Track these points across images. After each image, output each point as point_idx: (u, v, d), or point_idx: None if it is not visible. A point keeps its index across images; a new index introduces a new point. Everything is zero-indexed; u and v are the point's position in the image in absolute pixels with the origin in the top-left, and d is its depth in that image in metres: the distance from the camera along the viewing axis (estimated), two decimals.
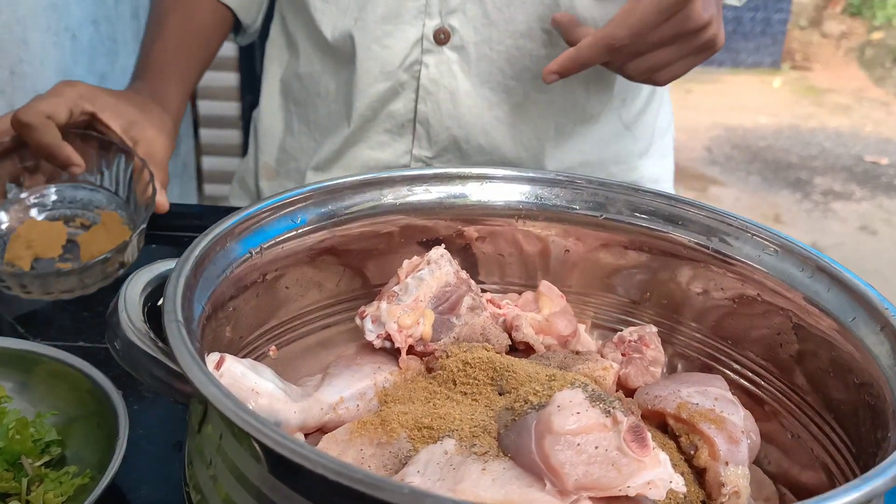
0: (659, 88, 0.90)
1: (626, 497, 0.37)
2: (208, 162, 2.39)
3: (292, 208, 0.50)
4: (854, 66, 5.91)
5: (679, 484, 0.38)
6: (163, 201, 0.72)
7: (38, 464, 0.51)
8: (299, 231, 0.51)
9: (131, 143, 0.72)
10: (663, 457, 0.38)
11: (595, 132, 0.86)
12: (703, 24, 0.66)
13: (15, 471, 0.50)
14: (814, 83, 5.65)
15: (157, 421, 0.56)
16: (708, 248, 0.52)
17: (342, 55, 0.84)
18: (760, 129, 4.82)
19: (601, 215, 0.55)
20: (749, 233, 0.50)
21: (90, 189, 0.73)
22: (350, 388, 0.47)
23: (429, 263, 0.54)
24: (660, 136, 0.93)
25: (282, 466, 0.33)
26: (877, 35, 6.01)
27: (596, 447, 0.37)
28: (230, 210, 0.88)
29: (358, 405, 0.47)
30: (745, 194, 3.98)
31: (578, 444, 0.37)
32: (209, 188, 2.42)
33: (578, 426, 0.38)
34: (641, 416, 0.49)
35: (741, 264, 0.51)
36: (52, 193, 0.73)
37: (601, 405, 0.39)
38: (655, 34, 0.65)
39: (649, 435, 0.38)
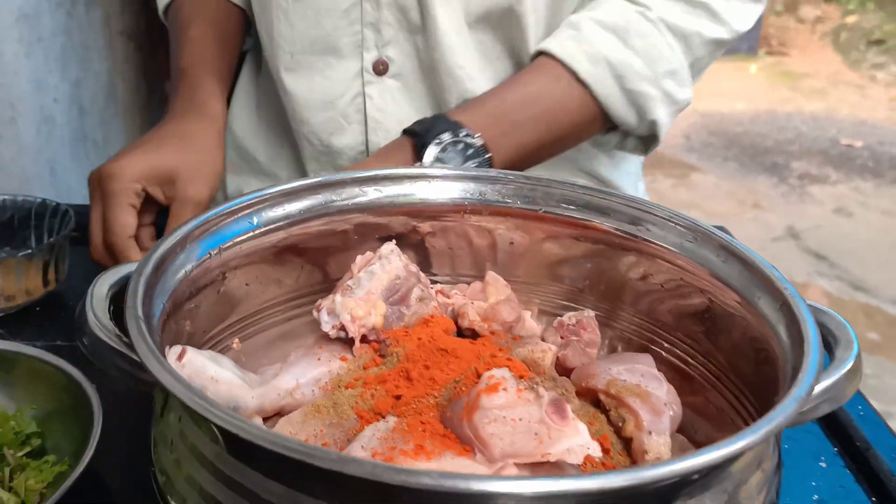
0: None
1: (549, 462, 0.41)
2: None
3: (248, 211, 0.54)
4: (829, 50, 5.98)
5: (595, 450, 0.42)
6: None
7: (20, 454, 0.55)
8: (256, 232, 0.55)
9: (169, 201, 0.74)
10: (582, 426, 0.42)
11: None
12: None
13: None
14: (790, 68, 5.71)
15: (129, 413, 0.60)
16: (637, 237, 0.57)
17: (283, 82, 0.87)
18: (737, 115, 4.87)
19: (540, 209, 0.59)
20: (672, 222, 0.55)
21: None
22: (306, 374, 0.51)
23: (380, 258, 0.58)
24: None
25: (230, 441, 0.37)
26: (851, 19, 6.08)
27: (520, 419, 0.42)
28: None
29: (313, 390, 0.51)
30: (724, 180, 4.03)
31: (504, 417, 0.42)
32: None
33: (504, 401, 0.42)
34: (577, 392, 0.54)
35: (666, 251, 0.55)
36: None
37: (525, 382, 0.43)
38: None
39: (569, 407, 0.43)
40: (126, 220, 0.70)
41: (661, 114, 0.78)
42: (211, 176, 0.76)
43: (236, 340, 0.57)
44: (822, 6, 6.34)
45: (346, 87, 0.84)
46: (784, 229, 3.48)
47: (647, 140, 0.83)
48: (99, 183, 0.72)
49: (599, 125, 0.81)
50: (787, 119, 4.84)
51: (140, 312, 0.40)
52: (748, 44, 5.82)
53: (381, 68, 0.83)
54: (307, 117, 0.86)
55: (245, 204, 0.54)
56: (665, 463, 0.32)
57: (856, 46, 5.89)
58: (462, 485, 0.30)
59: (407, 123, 0.85)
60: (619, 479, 0.31)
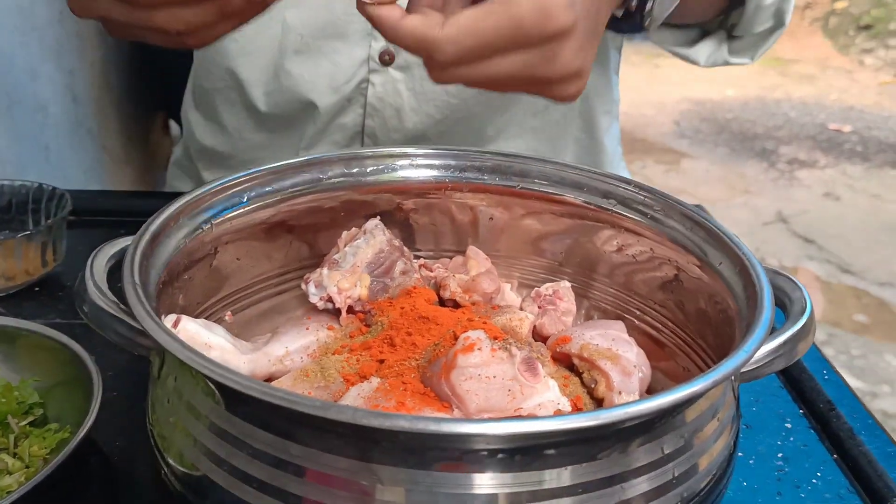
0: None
1: (521, 417, 0.44)
2: None
3: (239, 188, 0.56)
4: (819, 35, 6.01)
5: (565, 405, 0.45)
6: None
7: (23, 423, 0.57)
8: (247, 208, 0.57)
9: None
10: (552, 383, 0.45)
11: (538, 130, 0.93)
12: (565, 76, 0.49)
13: (2, 429, 0.56)
14: (779, 54, 5.73)
15: (127, 385, 0.63)
16: (609, 210, 0.59)
17: (286, 66, 0.89)
18: (727, 102, 4.91)
19: (517, 185, 0.62)
20: (641, 194, 0.58)
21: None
22: (295, 342, 0.54)
23: (365, 233, 0.60)
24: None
25: (224, 394, 0.40)
26: (840, 4, 6.10)
27: (494, 376, 0.45)
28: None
29: (302, 357, 0.54)
30: (714, 166, 4.06)
31: (479, 375, 0.45)
32: None
33: (479, 360, 0.45)
34: (553, 358, 0.57)
35: (636, 223, 0.58)
36: None
37: (499, 343, 0.46)
38: (498, 61, 0.47)
39: (540, 366, 0.46)
40: None
41: None
42: None
43: (228, 313, 0.59)
44: None
45: (352, 73, 0.87)
46: (773, 214, 3.51)
47: (765, 34, 0.80)
48: None
49: None
50: (776, 105, 4.87)
51: (137, 279, 0.43)
52: None
53: (387, 58, 0.86)
54: (314, 98, 0.89)
55: (236, 181, 0.57)
56: (623, 405, 0.35)
57: (845, 32, 5.92)
58: (433, 427, 0.33)
59: (405, 113, 0.87)
60: (575, 420, 0.34)
